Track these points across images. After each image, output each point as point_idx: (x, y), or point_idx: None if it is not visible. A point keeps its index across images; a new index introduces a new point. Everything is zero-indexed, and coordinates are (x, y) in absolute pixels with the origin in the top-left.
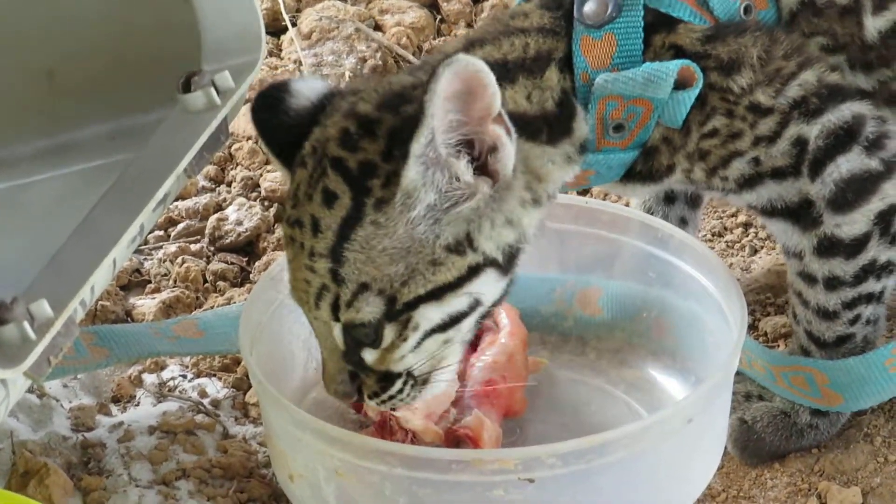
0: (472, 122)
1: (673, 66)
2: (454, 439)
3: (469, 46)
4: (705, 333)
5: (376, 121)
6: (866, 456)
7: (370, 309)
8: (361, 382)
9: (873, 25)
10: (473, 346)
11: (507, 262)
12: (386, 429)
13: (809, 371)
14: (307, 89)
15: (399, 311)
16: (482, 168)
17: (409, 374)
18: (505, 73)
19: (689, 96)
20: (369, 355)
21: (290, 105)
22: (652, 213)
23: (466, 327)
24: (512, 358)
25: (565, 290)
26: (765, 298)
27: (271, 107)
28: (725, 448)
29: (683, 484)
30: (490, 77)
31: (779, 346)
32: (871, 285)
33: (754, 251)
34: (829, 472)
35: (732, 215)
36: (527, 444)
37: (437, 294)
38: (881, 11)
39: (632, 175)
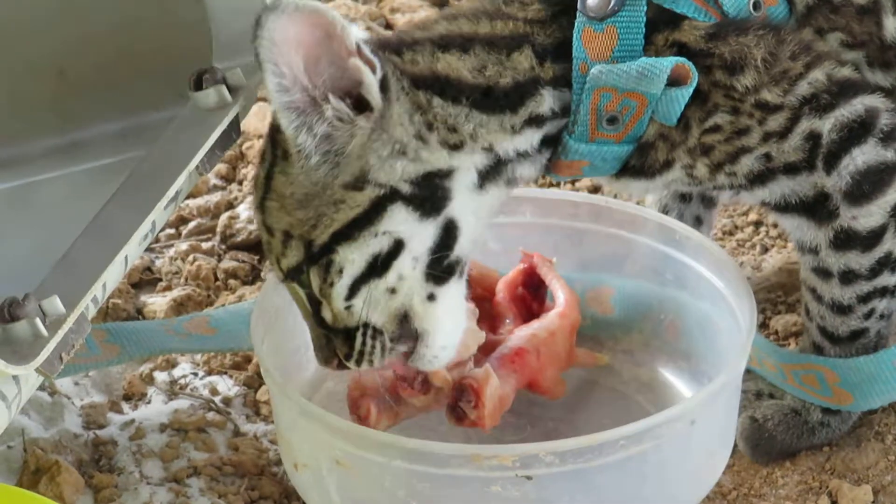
0: (335, 63)
1: (667, 63)
2: (459, 389)
3: (442, 19)
4: (719, 335)
5: None
6: (877, 454)
7: (294, 253)
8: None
9: (893, 25)
10: (528, 320)
11: (422, 201)
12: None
13: (820, 369)
14: None
15: (317, 254)
16: (360, 103)
17: (367, 325)
18: (464, 43)
19: (683, 94)
20: (326, 313)
21: None
22: (667, 211)
23: (408, 274)
24: (553, 336)
25: (575, 289)
26: (776, 297)
27: None
28: (736, 446)
29: (687, 485)
30: (330, 14)
31: (789, 344)
32: (887, 279)
33: (765, 249)
34: (840, 470)
35: (743, 214)
36: (535, 440)
37: (347, 233)
38: None
39: (625, 169)
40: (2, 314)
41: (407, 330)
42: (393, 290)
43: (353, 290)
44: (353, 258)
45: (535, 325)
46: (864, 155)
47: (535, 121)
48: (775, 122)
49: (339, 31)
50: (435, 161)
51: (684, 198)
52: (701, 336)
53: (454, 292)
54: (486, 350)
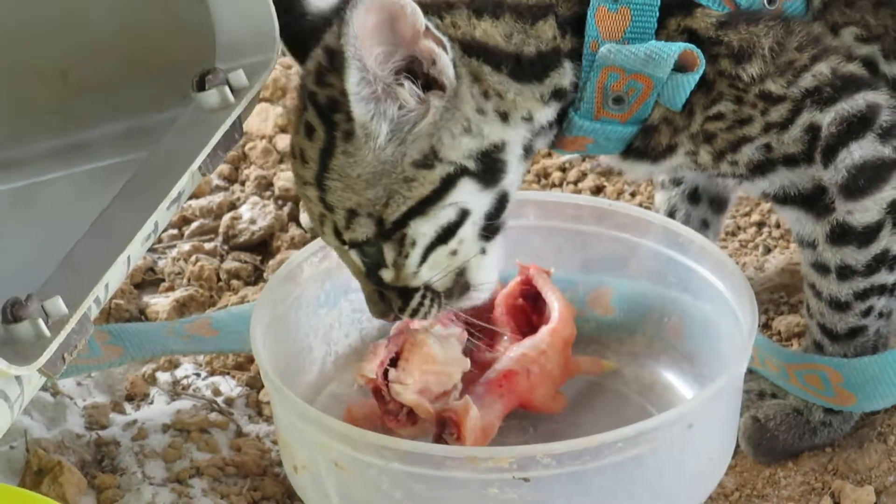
0: (403, 45)
1: (675, 48)
2: (441, 421)
3: None
4: (721, 338)
5: (341, 55)
6: (880, 455)
7: (363, 230)
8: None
9: None
10: (527, 332)
11: (484, 173)
12: (380, 398)
13: (824, 369)
14: None
15: (390, 230)
16: (429, 83)
17: (428, 288)
18: (494, 9)
19: (689, 80)
20: (386, 274)
21: (308, 8)
22: (675, 211)
23: (468, 237)
24: (544, 354)
25: (577, 291)
26: (778, 297)
27: (288, 10)
28: (738, 446)
29: (687, 487)
30: None
31: (792, 345)
32: (884, 276)
33: (767, 250)
34: (843, 470)
35: (746, 214)
36: (538, 443)
37: (419, 210)
38: None
39: (629, 150)
40: (4, 315)
41: (458, 283)
42: (454, 252)
43: (424, 257)
44: (424, 230)
45: (525, 344)
46: (862, 150)
47: (558, 93)
48: (777, 112)
49: (409, 13)
50: (493, 135)
51: (693, 200)
52: (703, 339)
53: (499, 243)
54: (482, 367)
